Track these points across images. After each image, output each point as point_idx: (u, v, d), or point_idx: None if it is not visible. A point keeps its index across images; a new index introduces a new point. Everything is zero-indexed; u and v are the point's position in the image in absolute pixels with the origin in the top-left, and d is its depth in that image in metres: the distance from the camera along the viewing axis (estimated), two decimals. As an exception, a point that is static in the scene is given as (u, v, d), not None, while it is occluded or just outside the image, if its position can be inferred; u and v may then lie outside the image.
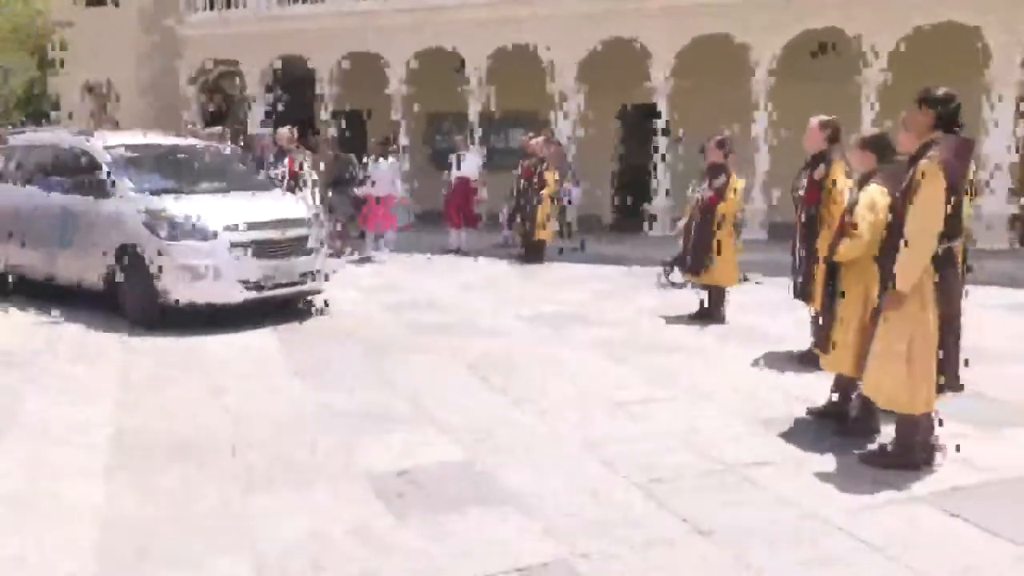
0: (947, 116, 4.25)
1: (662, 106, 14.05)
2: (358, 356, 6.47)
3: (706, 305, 7.67)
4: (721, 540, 3.47)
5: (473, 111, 15.50)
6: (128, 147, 8.24)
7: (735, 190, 7.55)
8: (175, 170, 8.31)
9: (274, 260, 7.47)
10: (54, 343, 6.86)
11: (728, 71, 13.35)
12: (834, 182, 5.72)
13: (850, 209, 4.82)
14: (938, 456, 4.31)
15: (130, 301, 7.42)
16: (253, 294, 7.31)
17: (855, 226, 4.69)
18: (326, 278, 8.12)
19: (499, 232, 13.26)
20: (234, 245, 7.21)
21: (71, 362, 6.34)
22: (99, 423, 4.84)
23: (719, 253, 7.41)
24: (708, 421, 4.96)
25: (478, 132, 15.42)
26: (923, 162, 4.12)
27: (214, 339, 6.90)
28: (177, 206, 7.36)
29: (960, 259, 4.43)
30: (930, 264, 4.13)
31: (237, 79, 17.83)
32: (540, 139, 11.86)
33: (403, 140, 16.01)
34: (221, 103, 19.09)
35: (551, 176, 11.55)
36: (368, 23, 15.77)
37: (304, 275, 7.74)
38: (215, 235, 7.20)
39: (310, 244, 7.82)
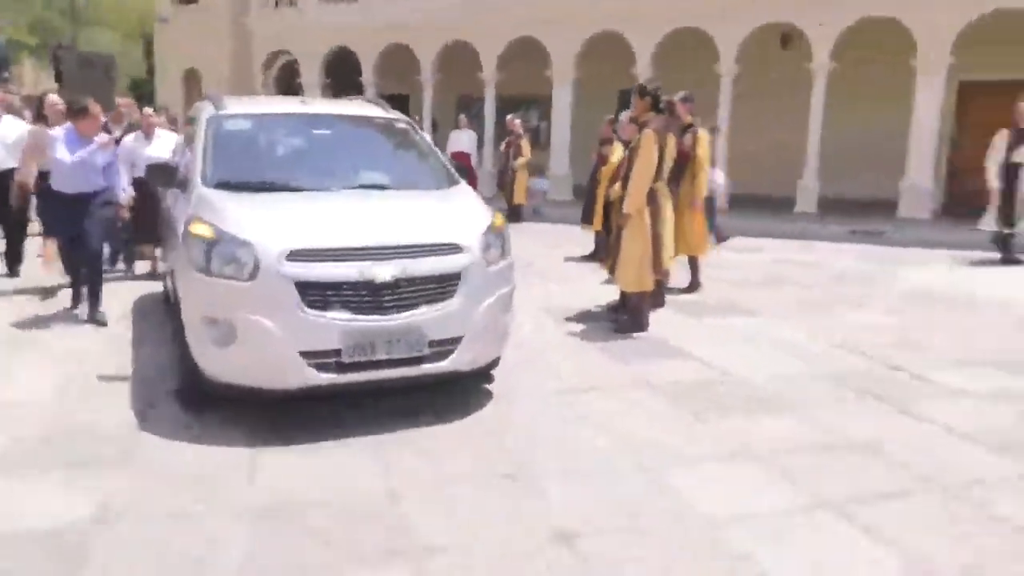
0: (657, 102, 6.53)
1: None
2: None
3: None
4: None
5: (489, 95, 18.00)
6: (247, 116, 5.62)
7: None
8: (309, 155, 5.45)
9: (375, 316, 4.16)
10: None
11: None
12: None
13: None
14: (648, 324, 6.61)
15: (177, 364, 4.68)
16: (327, 377, 4.15)
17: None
18: (492, 362, 4.84)
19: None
20: (302, 287, 4.07)
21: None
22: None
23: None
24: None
25: (492, 113, 17.87)
26: (643, 131, 6.43)
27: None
28: (233, 211, 4.39)
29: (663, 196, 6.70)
30: (645, 198, 6.44)
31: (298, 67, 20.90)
32: (518, 119, 14.28)
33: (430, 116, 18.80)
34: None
35: (526, 148, 13.97)
36: (403, 19, 18.49)
37: (437, 345, 4.32)
38: (261, 268, 4.09)
39: (461, 290, 4.38)
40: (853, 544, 3.23)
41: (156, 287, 7.65)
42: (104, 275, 6.79)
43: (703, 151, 7.50)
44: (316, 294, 4.12)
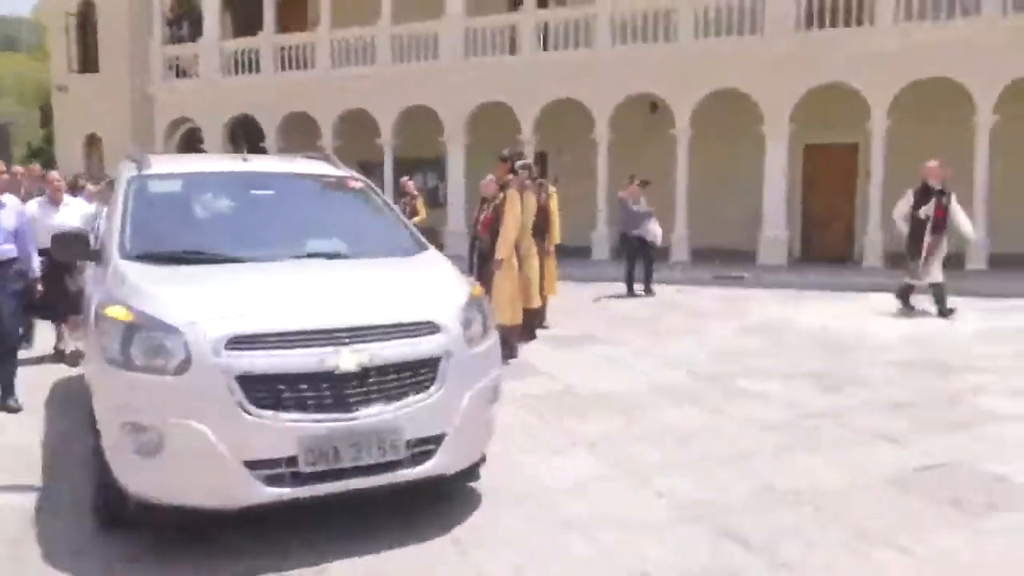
0: (513, 166, 7.76)
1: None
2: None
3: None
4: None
5: (387, 159, 19.12)
6: (174, 176, 4.97)
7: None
8: (249, 220, 4.72)
9: (338, 414, 3.49)
10: None
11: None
12: None
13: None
14: (518, 352, 7.68)
15: (94, 474, 3.88)
16: (280, 491, 3.45)
17: None
18: (480, 459, 4.15)
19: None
20: (245, 382, 3.39)
21: None
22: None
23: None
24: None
25: (388, 174, 18.95)
26: (507, 191, 7.60)
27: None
28: (157, 289, 3.71)
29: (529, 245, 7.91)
30: (513, 246, 7.57)
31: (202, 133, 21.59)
32: (411, 181, 15.40)
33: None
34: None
35: (421, 208, 15.06)
36: (302, 89, 19.55)
37: (415, 446, 3.65)
38: (193, 360, 3.39)
39: (441, 378, 3.71)
40: (639, 495, 4.32)
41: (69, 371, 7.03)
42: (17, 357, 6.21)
43: (554, 205, 8.78)
44: (264, 390, 3.38)
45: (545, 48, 17.47)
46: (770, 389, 6.50)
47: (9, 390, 6.07)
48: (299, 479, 3.43)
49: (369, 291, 3.94)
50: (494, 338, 4.16)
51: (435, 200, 19.18)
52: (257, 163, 5.41)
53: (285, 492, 3.43)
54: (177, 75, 21.63)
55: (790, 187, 16.29)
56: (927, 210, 9.83)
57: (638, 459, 4.85)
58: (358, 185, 5.20)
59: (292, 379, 3.41)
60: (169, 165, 5.26)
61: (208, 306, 3.56)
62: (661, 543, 3.71)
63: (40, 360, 7.70)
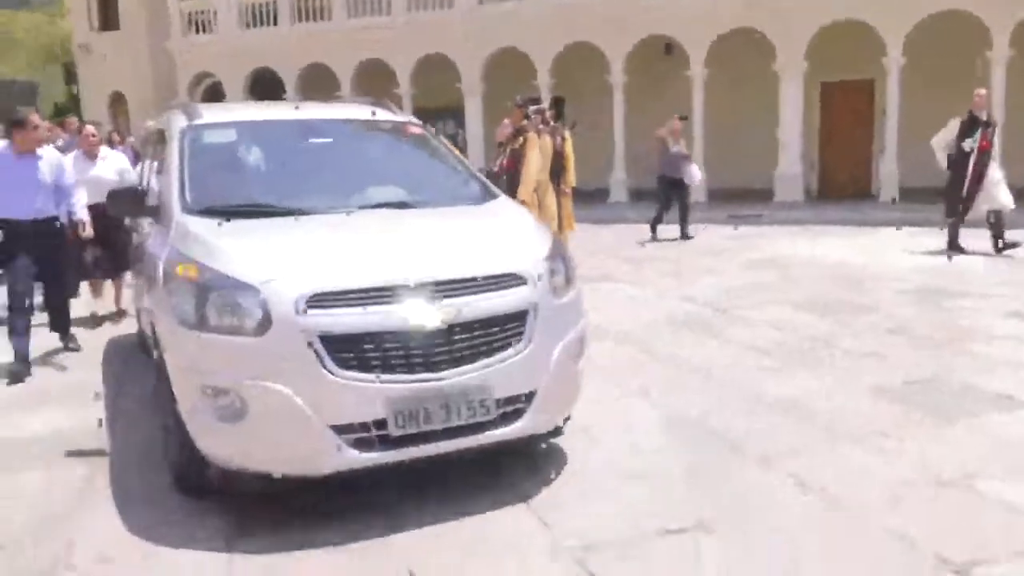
0: (527, 110, 8.09)
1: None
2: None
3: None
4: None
5: (406, 108, 19.36)
6: (228, 125, 4.73)
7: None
8: (310, 169, 4.52)
9: (426, 374, 3.35)
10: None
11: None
12: None
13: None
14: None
15: (165, 439, 3.88)
16: (370, 456, 3.32)
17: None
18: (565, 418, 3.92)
19: None
20: (329, 341, 3.24)
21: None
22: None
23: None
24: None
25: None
26: (527, 134, 7.95)
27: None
28: (228, 245, 3.56)
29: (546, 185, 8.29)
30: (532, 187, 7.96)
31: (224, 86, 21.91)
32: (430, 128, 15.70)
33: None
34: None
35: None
36: (320, 41, 19.77)
37: (507, 403, 3.50)
38: (274, 319, 3.24)
39: (530, 332, 3.55)
40: (639, 409, 4.77)
41: (118, 330, 7.23)
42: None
43: (569, 148, 9.12)
44: (347, 350, 3.23)
45: (559, -9, 17.52)
46: (779, 318, 6.87)
47: (65, 331, 6.47)
48: (388, 443, 3.29)
49: (449, 243, 3.75)
50: (578, 287, 3.92)
51: (455, 146, 19.46)
52: (311, 110, 5.18)
53: (375, 457, 3.29)
54: (196, 30, 21.86)
55: (807, 124, 16.42)
56: (971, 143, 9.49)
57: (642, 380, 5.28)
58: (418, 131, 5.02)
59: (376, 338, 3.26)
60: (220, 114, 4.99)
61: (283, 262, 3.39)
62: (657, 447, 4.14)
63: (102, 320, 7.65)
